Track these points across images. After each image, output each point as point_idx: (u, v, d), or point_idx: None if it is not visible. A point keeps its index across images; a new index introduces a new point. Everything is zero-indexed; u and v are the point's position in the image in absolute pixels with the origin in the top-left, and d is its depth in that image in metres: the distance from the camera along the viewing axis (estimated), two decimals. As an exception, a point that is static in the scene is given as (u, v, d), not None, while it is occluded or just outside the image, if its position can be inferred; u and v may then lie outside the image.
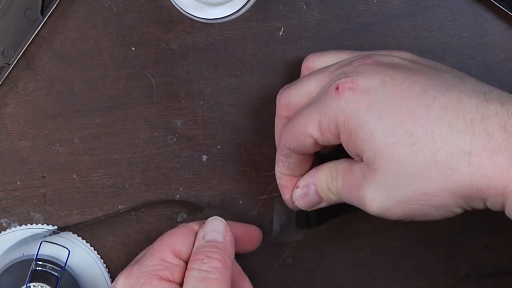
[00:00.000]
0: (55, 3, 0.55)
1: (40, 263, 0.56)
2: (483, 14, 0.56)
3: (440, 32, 0.56)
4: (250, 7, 0.55)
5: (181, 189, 0.58)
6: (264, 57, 0.56)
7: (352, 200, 0.49)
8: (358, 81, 0.47)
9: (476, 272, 0.59)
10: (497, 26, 0.56)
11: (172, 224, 0.58)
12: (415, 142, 0.44)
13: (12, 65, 0.55)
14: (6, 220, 0.58)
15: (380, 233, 0.58)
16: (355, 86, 0.46)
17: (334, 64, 0.51)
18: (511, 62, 0.56)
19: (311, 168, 0.53)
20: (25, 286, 0.56)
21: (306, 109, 0.49)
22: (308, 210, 0.53)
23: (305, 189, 0.52)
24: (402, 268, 0.59)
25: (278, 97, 0.53)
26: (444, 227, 0.58)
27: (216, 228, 0.54)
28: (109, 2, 0.56)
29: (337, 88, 0.47)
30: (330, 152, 0.53)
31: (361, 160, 0.47)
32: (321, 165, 0.51)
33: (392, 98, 0.45)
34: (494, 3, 0.54)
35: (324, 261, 0.59)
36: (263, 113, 0.57)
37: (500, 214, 0.45)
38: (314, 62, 0.54)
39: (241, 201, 0.58)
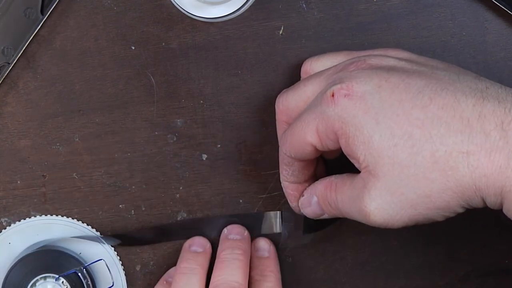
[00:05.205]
0: (55, 2, 0.55)
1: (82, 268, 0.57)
2: (483, 13, 0.56)
3: (440, 31, 0.56)
4: (250, 6, 0.55)
5: (181, 188, 0.58)
6: (264, 56, 0.56)
7: (353, 213, 0.48)
8: (353, 87, 0.46)
9: (476, 272, 0.59)
10: (497, 25, 0.56)
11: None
12: (414, 143, 0.44)
13: (12, 64, 0.55)
14: (6, 219, 0.58)
15: (380, 232, 0.58)
16: (350, 92, 0.46)
17: (331, 68, 0.51)
18: (511, 61, 0.56)
19: (315, 173, 0.53)
20: (55, 279, 0.56)
21: (303, 116, 0.49)
22: (314, 219, 0.53)
23: (308, 199, 0.52)
24: (402, 267, 0.59)
25: (276, 102, 0.53)
26: (444, 227, 0.57)
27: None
28: (109, 1, 0.56)
29: (333, 95, 0.47)
30: (337, 157, 0.53)
31: (361, 166, 0.47)
32: (324, 178, 0.51)
33: (388, 102, 0.45)
34: (494, 2, 0.55)
35: (324, 260, 0.59)
36: (263, 112, 0.57)
37: (500, 214, 0.45)
38: (312, 65, 0.54)
39: (241, 200, 0.58)
